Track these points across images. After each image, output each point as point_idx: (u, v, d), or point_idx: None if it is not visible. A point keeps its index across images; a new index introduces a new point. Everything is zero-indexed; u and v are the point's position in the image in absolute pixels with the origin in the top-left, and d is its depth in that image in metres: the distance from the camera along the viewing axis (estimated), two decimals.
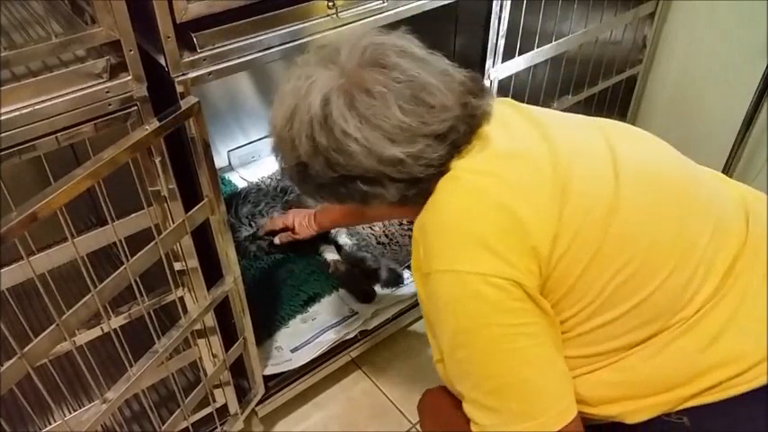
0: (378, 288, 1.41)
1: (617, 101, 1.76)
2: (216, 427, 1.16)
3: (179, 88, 0.82)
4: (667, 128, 1.77)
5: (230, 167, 1.76)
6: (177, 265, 0.94)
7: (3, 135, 0.70)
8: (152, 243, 0.83)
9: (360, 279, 1.42)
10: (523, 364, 0.72)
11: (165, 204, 0.87)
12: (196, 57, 0.83)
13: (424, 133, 0.72)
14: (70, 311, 0.75)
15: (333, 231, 1.48)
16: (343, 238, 1.49)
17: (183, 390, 1.02)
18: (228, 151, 1.75)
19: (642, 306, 0.74)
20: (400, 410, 1.37)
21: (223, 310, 1.06)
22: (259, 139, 1.77)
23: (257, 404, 1.25)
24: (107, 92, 0.75)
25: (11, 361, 0.71)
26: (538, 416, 0.71)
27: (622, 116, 1.80)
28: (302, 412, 1.37)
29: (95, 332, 0.90)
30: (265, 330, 1.32)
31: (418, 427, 1.32)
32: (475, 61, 1.26)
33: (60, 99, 0.73)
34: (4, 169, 0.73)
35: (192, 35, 0.82)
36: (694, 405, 0.74)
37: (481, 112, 0.77)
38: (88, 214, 1.27)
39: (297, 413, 1.36)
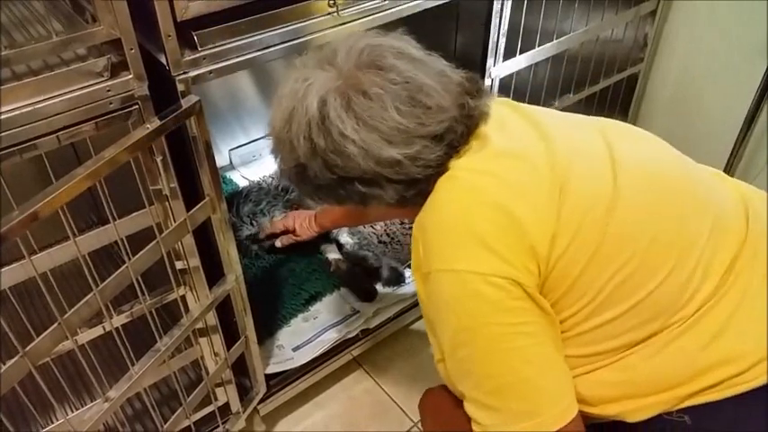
0: (379, 287, 1.41)
1: (618, 99, 1.76)
2: (217, 426, 1.16)
3: (180, 87, 0.82)
4: (668, 127, 1.77)
5: (231, 166, 1.76)
6: (179, 264, 0.94)
7: (4, 134, 0.70)
8: (153, 242, 0.83)
9: (361, 278, 1.42)
10: (524, 364, 0.72)
11: (167, 203, 0.87)
12: (197, 55, 0.83)
13: (421, 134, 0.72)
14: (72, 310, 0.76)
15: (334, 230, 1.48)
16: (345, 237, 1.49)
17: (185, 388, 1.02)
18: (230, 150, 1.75)
19: (641, 305, 0.74)
20: (402, 409, 1.37)
21: (225, 308, 1.06)
22: (260, 138, 1.77)
23: (259, 403, 1.25)
24: (108, 90, 0.75)
25: (13, 360, 0.71)
26: (538, 415, 0.71)
27: (623, 115, 1.80)
28: (304, 411, 1.37)
29: (97, 331, 0.90)
30: (267, 329, 1.32)
31: (419, 426, 1.32)
32: (476, 60, 1.26)
33: (61, 98, 0.73)
34: (5, 168, 0.73)
35: (193, 34, 0.82)
36: (695, 404, 0.74)
37: (479, 113, 0.77)
38: (89, 213, 1.27)
39: (298, 412, 1.36)
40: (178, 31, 0.79)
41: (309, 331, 1.34)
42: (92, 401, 1.03)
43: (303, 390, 1.33)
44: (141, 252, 0.82)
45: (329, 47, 0.77)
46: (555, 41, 1.38)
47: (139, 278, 0.83)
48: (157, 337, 0.91)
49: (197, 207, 0.89)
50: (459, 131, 0.75)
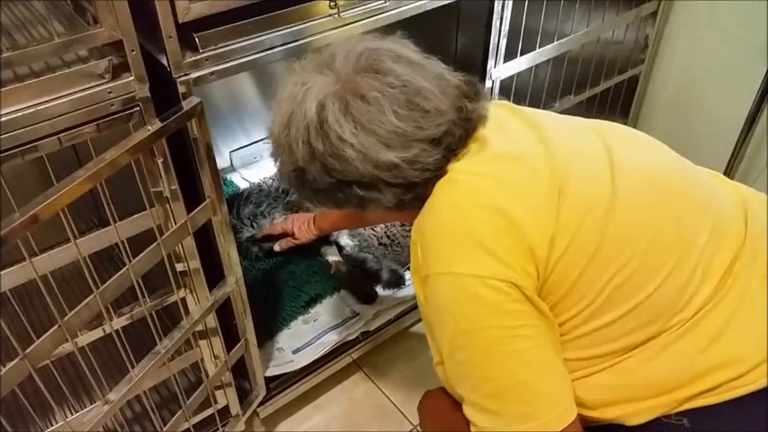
0: (379, 289, 1.41)
1: (619, 101, 1.76)
2: (217, 429, 1.16)
3: (181, 89, 0.82)
4: (669, 128, 1.77)
5: (232, 168, 1.76)
6: (179, 266, 0.94)
7: (5, 136, 0.70)
8: (154, 244, 0.83)
9: (361, 280, 1.42)
10: (522, 366, 0.72)
11: (168, 205, 0.87)
12: (198, 57, 0.83)
13: (419, 138, 0.72)
14: (72, 312, 0.76)
15: (334, 233, 1.48)
16: (345, 240, 1.49)
17: (185, 391, 1.02)
18: (230, 152, 1.75)
19: (640, 308, 0.74)
20: (402, 412, 1.37)
21: (225, 311, 1.06)
22: (261, 140, 1.77)
23: (259, 405, 1.25)
24: (109, 92, 0.75)
25: (13, 362, 0.71)
26: (537, 418, 0.71)
27: (624, 116, 1.80)
28: (304, 413, 1.37)
29: (97, 333, 0.90)
30: (267, 331, 1.32)
31: (419, 428, 1.32)
32: (477, 61, 1.26)
33: (62, 100, 0.73)
34: (6, 170, 0.73)
35: (194, 35, 0.82)
36: (694, 407, 0.74)
37: (477, 116, 0.77)
38: (90, 215, 1.27)
39: (298, 414, 1.36)
40: (179, 33, 0.79)
41: (309, 334, 1.34)
42: (91, 404, 1.03)
43: (303, 392, 1.33)
44: (142, 254, 0.82)
45: (328, 51, 0.78)
46: (556, 43, 1.38)
47: (140, 280, 0.83)
48: (157, 339, 0.91)
49: (198, 209, 0.89)
50: (457, 135, 0.75)
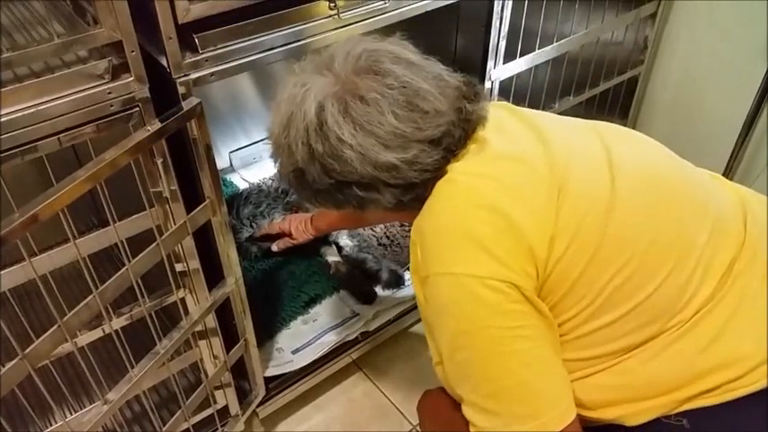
0: (379, 289, 1.41)
1: (618, 102, 1.76)
2: (217, 429, 1.16)
3: (181, 89, 0.82)
4: (669, 129, 1.77)
5: (232, 168, 1.76)
6: (178, 267, 0.94)
7: (5, 136, 0.70)
8: (153, 244, 0.83)
9: (361, 280, 1.42)
10: (522, 367, 0.72)
11: (167, 206, 0.87)
12: (198, 58, 0.83)
13: (419, 139, 0.72)
14: (72, 312, 0.76)
15: (333, 233, 1.48)
16: (344, 240, 1.49)
17: (184, 391, 1.02)
18: (230, 152, 1.75)
19: (640, 308, 0.74)
20: (401, 412, 1.37)
21: (224, 311, 1.06)
22: (260, 141, 1.77)
23: (258, 405, 1.25)
24: (109, 93, 0.75)
25: (12, 362, 0.71)
26: (536, 418, 0.71)
27: (623, 117, 1.80)
28: (303, 414, 1.37)
29: (97, 333, 0.90)
30: (266, 332, 1.32)
31: (418, 428, 1.32)
32: (476, 62, 1.26)
33: (62, 100, 0.73)
34: (6, 170, 0.73)
35: (194, 36, 0.82)
36: (693, 407, 0.74)
37: (476, 117, 0.77)
38: (90, 215, 1.27)
39: (298, 414, 1.36)
40: (179, 34, 0.79)
41: (309, 334, 1.34)
42: (91, 404, 1.03)
43: (302, 392, 1.33)
44: (141, 254, 0.82)
45: (327, 52, 0.78)
46: (555, 44, 1.38)
47: (139, 280, 0.83)
48: (157, 339, 0.91)
49: (197, 209, 0.89)
50: (456, 135, 0.75)
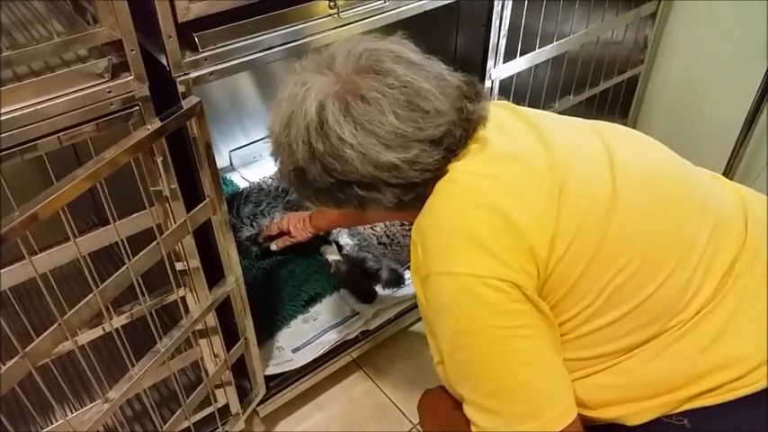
0: (379, 288, 1.41)
1: (618, 101, 1.76)
2: (217, 428, 1.16)
3: (181, 88, 0.82)
4: (669, 128, 1.77)
5: (232, 167, 1.76)
6: (179, 265, 0.94)
7: (4, 135, 0.70)
8: (154, 243, 0.83)
9: (361, 279, 1.42)
10: (522, 366, 0.72)
11: (167, 204, 0.87)
12: (198, 56, 0.83)
13: (419, 138, 0.72)
14: (72, 311, 0.76)
15: (334, 232, 1.48)
16: (345, 239, 1.49)
17: (185, 389, 1.02)
18: (230, 151, 1.75)
19: (641, 308, 0.74)
20: (401, 411, 1.37)
21: (224, 310, 1.06)
22: (261, 140, 1.77)
23: (258, 404, 1.25)
24: (109, 92, 0.75)
25: (13, 360, 0.71)
26: (537, 417, 0.71)
27: (623, 117, 1.80)
28: (303, 412, 1.37)
29: (97, 332, 0.90)
30: (267, 330, 1.32)
31: (419, 427, 1.32)
32: (476, 61, 1.26)
33: (62, 99, 0.73)
34: (6, 169, 0.73)
35: (194, 35, 0.82)
36: (694, 407, 0.74)
37: (477, 117, 0.77)
38: (90, 214, 1.27)
39: (298, 413, 1.36)
40: (179, 33, 0.79)
41: (309, 332, 1.34)
42: (91, 402, 1.03)
43: (303, 391, 1.33)
44: (141, 253, 0.82)
45: (328, 51, 0.78)
46: (555, 43, 1.38)
47: (139, 279, 0.83)
48: (157, 338, 0.91)
49: (197, 208, 0.89)
50: (457, 135, 0.75)
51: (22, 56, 0.70)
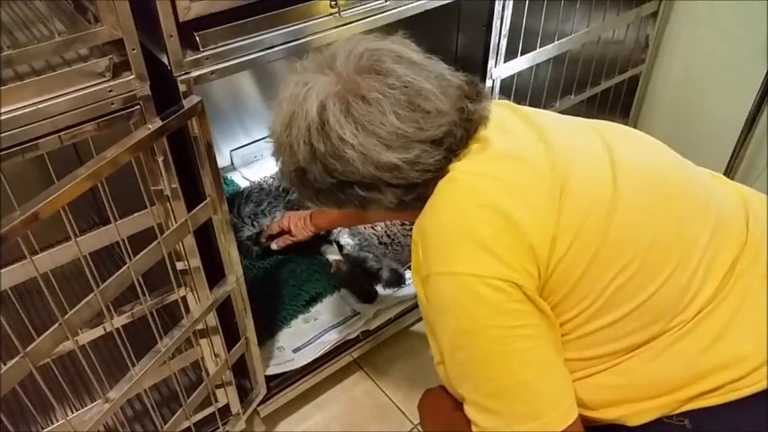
0: (379, 288, 1.41)
1: (619, 101, 1.76)
2: (218, 427, 1.16)
3: (182, 87, 0.82)
4: (669, 128, 1.77)
5: (233, 167, 1.76)
6: (179, 265, 0.94)
7: (5, 134, 0.70)
8: (155, 242, 0.83)
9: (361, 279, 1.42)
10: (523, 366, 0.71)
11: (168, 204, 0.87)
12: (199, 56, 0.83)
13: (420, 139, 0.72)
14: (73, 311, 0.76)
15: (334, 231, 1.48)
16: (345, 239, 1.49)
17: (185, 389, 1.02)
18: (231, 151, 1.75)
19: (642, 308, 0.74)
20: (402, 411, 1.37)
21: (225, 309, 1.06)
22: (262, 139, 1.77)
23: (259, 404, 1.25)
24: (110, 91, 0.75)
25: (14, 360, 0.71)
26: (539, 417, 0.71)
27: (624, 116, 1.80)
28: (304, 412, 1.37)
29: (98, 331, 0.90)
30: (267, 330, 1.32)
31: (419, 427, 1.32)
32: (477, 61, 1.26)
33: (63, 98, 0.73)
34: (7, 168, 0.73)
35: (195, 34, 0.82)
36: (695, 407, 0.74)
37: (478, 117, 0.77)
38: (91, 213, 1.27)
39: (298, 413, 1.36)
40: (180, 32, 0.79)
41: (310, 332, 1.34)
42: (92, 402, 1.03)
43: (303, 391, 1.33)
44: (142, 252, 0.82)
45: (329, 51, 0.77)
46: (556, 42, 1.38)
47: (140, 279, 0.83)
48: (158, 337, 0.91)
49: (198, 208, 0.89)
50: (458, 135, 0.75)
51: (24, 55, 0.70)
